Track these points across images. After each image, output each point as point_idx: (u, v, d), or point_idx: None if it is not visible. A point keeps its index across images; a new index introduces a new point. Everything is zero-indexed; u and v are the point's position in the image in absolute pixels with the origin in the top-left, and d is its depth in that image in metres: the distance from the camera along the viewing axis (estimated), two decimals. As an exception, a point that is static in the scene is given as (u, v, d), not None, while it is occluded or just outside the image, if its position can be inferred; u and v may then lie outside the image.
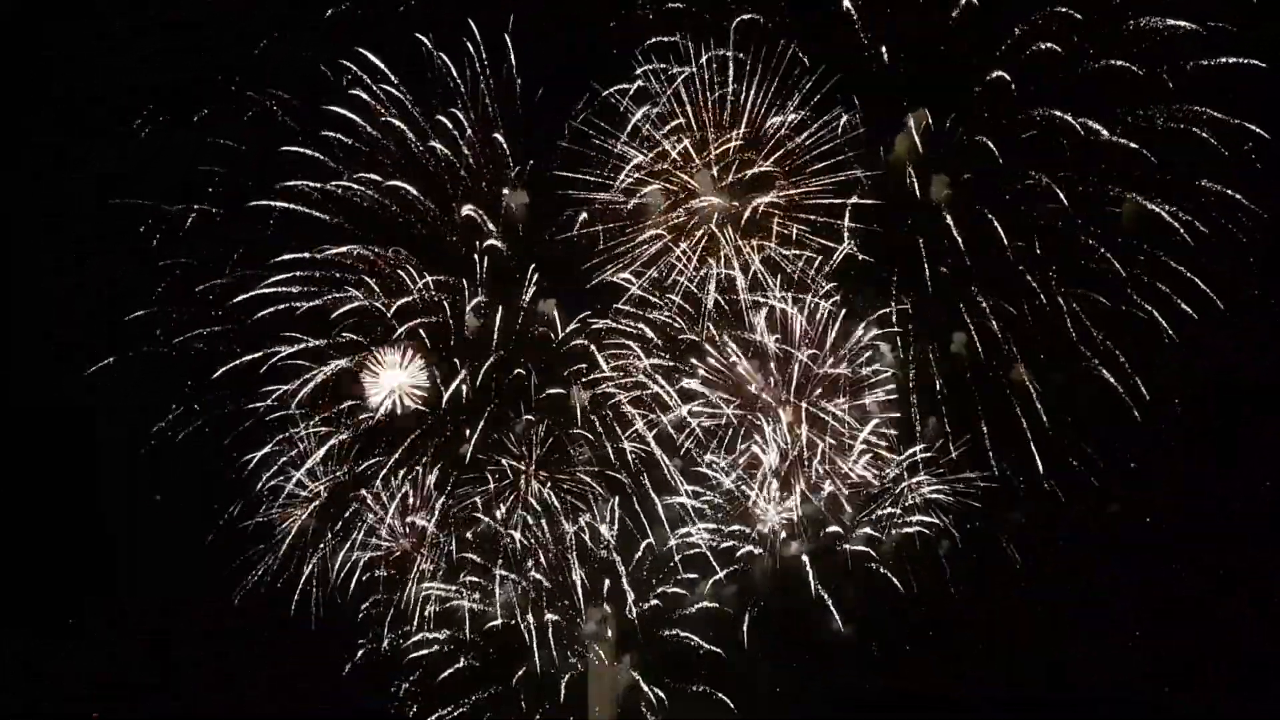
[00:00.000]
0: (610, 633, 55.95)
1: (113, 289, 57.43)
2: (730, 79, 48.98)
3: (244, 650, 58.46)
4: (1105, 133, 48.54)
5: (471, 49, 51.94)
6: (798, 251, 49.97)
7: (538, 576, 54.33)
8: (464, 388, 52.70)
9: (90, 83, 58.27)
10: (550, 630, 55.05)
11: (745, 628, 54.63)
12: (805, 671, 56.04)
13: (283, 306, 52.93)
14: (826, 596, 53.32)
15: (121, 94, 57.54)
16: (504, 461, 53.69)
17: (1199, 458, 54.65)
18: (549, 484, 53.55)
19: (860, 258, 50.19)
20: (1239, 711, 55.79)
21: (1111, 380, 50.89)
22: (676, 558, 53.80)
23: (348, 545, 54.34)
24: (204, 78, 55.98)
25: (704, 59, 48.81)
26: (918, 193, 49.74)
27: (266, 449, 54.50)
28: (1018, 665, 56.15)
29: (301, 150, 52.64)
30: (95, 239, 58.09)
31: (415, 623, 54.87)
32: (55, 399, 60.12)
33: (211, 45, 56.48)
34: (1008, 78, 49.00)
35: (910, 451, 52.44)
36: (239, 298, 53.31)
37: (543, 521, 53.59)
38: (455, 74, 52.22)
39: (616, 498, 53.42)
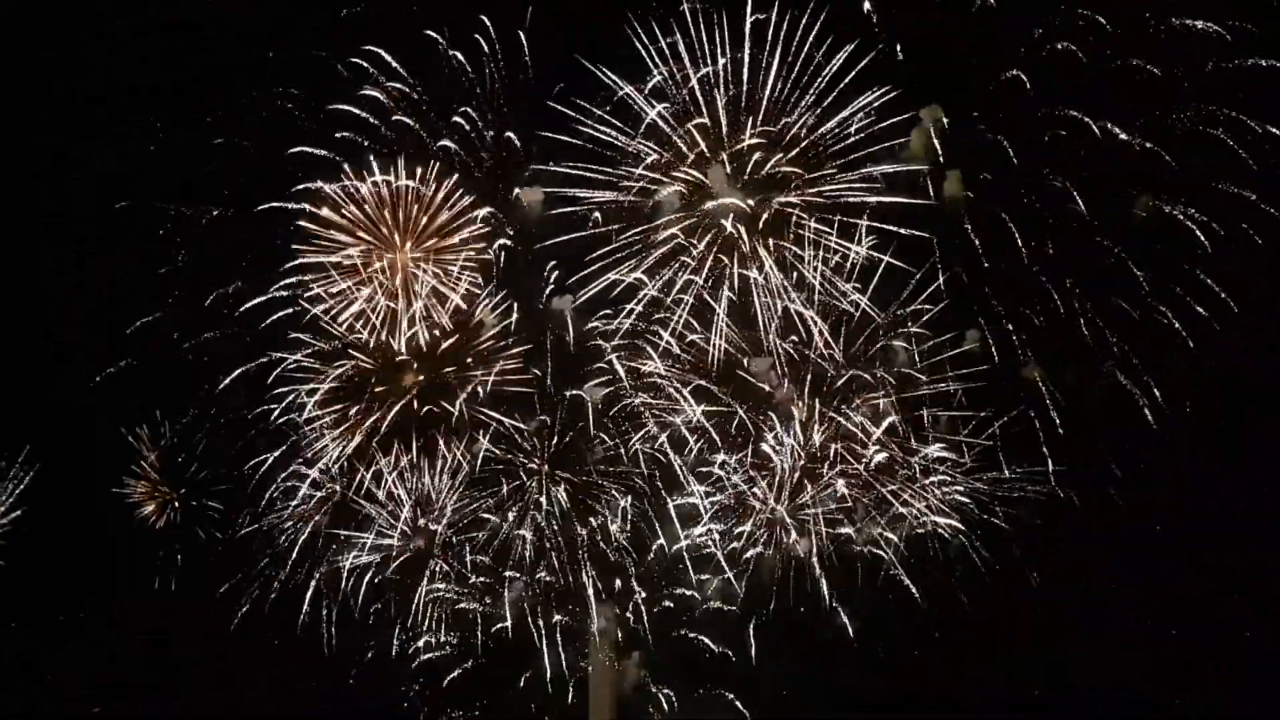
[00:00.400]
0: (619, 634, 55.27)
1: (113, 289, 57.27)
2: (745, 78, 48.06)
3: (244, 650, 57.61)
4: (1123, 135, 47.74)
5: (486, 47, 51.46)
6: (813, 251, 48.98)
7: (548, 578, 53.47)
8: (480, 390, 51.89)
9: (90, 83, 57.97)
10: (559, 632, 54.40)
11: (752, 628, 53.85)
12: (810, 672, 55.23)
13: (295, 310, 51.98)
14: (833, 597, 52.48)
15: (121, 94, 57.50)
16: (517, 461, 52.81)
17: (1203, 458, 54.00)
18: (562, 484, 52.67)
19: (877, 257, 49.19)
20: (1239, 711, 55.26)
21: (1125, 382, 50.22)
22: (687, 558, 53.06)
23: (357, 548, 53.52)
24: (205, 78, 55.73)
25: (719, 58, 47.87)
26: (931, 192, 48.81)
27: (276, 453, 53.86)
28: (1018, 665, 55.39)
29: (313, 150, 51.61)
30: (95, 239, 57.78)
31: (424, 625, 54.17)
32: (55, 399, 59.57)
33: (212, 45, 56.07)
34: (1024, 77, 48.37)
35: (924, 453, 51.50)
36: (252, 302, 52.49)
37: (554, 522, 52.70)
38: (470, 72, 51.76)
39: (629, 497, 52.62)
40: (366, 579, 53.49)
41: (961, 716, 56.53)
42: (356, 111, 51.56)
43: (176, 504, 59.23)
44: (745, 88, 47.99)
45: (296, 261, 50.94)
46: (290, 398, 52.35)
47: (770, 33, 47.34)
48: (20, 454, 60.05)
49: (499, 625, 54.25)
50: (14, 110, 59.02)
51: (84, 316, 58.54)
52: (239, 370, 53.01)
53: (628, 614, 54.56)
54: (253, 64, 54.53)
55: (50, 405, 59.77)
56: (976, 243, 48.94)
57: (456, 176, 51.09)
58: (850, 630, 52.77)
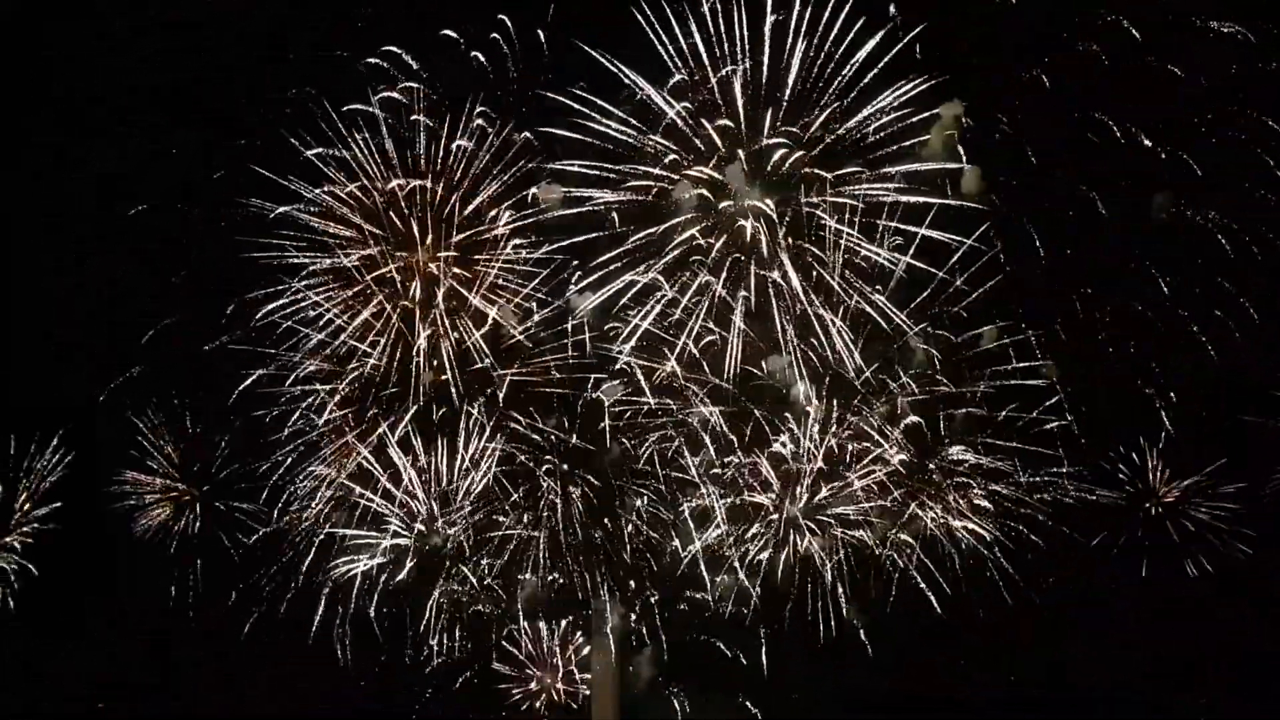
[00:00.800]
0: (631, 634, 54.74)
1: (114, 289, 56.72)
2: (765, 78, 46.86)
3: (245, 650, 56.68)
4: (1143, 136, 47.15)
5: (505, 46, 50.27)
6: (833, 252, 47.96)
7: (560, 579, 52.56)
8: (498, 392, 50.94)
9: (90, 83, 57.09)
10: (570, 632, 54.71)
11: (762, 629, 53.12)
12: (819, 673, 54.60)
13: (313, 312, 50.73)
14: (845, 599, 51.67)
15: (121, 94, 56.64)
16: (535, 460, 51.79)
17: (1208, 458, 54.55)
18: (579, 485, 51.66)
19: (897, 257, 48.14)
20: (1239, 711, 55.59)
21: (1138, 384, 49.80)
22: (700, 560, 51.84)
23: (371, 550, 52.45)
24: (205, 78, 54.83)
25: (739, 57, 46.72)
26: (950, 192, 47.82)
27: (286, 456, 52.70)
28: (1019, 665, 55.87)
29: (328, 151, 50.17)
30: (95, 239, 56.95)
31: (435, 626, 53.28)
32: (55, 399, 58.85)
33: (212, 45, 55.20)
34: (1044, 78, 47.70)
35: (940, 454, 50.88)
36: (270, 306, 51.13)
37: (570, 522, 51.72)
38: (490, 71, 50.44)
39: (643, 498, 51.70)
40: (382, 580, 52.61)
41: (964, 717, 56.87)
42: (374, 111, 50.13)
43: (198, 507, 58.01)
44: (765, 88, 46.99)
45: (320, 265, 50.07)
46: (308, 400, 51.48)
47: (790, 32, 46.34)
48: (49, 445, 59.09)
49: (510, 625, 54.22)
50: (14, 110, 58.20)
51: (83, 315, 57.85)
52: (258, 373, 51.83)
53: (634, 614, 54.13)
54: (253, 64, 53.83)
55: (48, 405, 59.04)
56: (998, 244, 48.12)
57: (475, 176, 50.21)
58: (861, 632, 52.17)
